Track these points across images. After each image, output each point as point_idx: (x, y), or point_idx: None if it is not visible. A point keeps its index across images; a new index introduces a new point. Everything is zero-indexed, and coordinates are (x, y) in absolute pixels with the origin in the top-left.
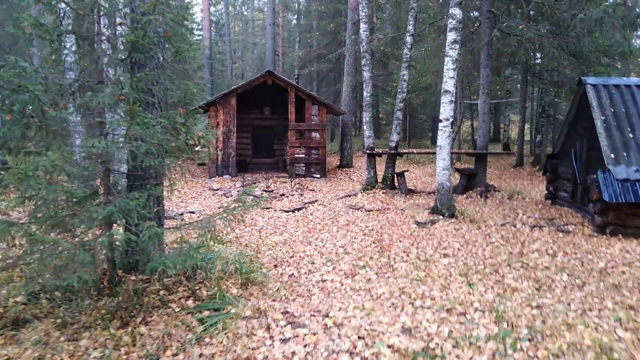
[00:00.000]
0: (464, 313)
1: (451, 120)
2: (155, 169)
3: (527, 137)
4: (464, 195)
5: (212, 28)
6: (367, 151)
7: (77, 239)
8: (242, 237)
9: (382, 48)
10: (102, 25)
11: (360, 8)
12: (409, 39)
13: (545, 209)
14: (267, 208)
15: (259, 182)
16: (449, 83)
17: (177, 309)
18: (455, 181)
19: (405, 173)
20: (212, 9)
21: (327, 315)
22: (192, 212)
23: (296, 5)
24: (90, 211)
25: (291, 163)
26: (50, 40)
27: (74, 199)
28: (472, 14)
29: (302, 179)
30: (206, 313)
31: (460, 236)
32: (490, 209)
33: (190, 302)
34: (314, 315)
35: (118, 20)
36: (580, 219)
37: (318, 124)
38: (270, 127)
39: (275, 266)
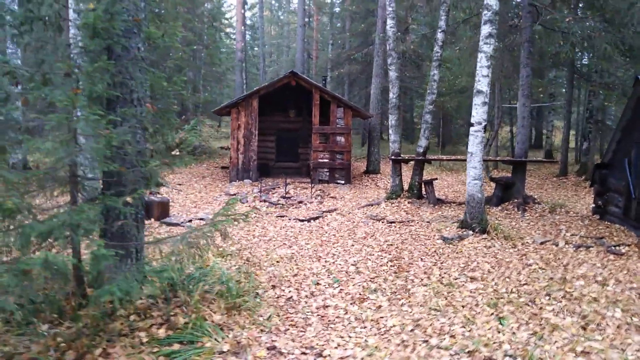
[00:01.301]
0: (490, 358)
1: (484, 124)
2: (133, 174)
3: (572, 144)
4: (499, 207)
5: (247, 32)
6: (392, 157)
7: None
8: (248, 248)
9: (412, 47)
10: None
11: (387, 3)
12: (440, 35)
13: (592, 226)
14: (281, 216)
15: (279, 187)
16: (482, 82)
17: (145, 339)
18: (490, 191)
19: (435, 181)
20: (248, 13)
21: (320, 354)
22: (202, 219)
23: (328, 8)
24: (25, 227)
25: (314, 168)
26: (12, 27)
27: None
28: (511, 12)
29: (326, 185)
30: (176, 346)
31: (492, 255)
32: (529, 224)
33: (162, 331)
34: (305, 354)
35: (90, 4)
36: (634, 239)
37: (343, 127)
38: (295, 130)
39: (274, 287)
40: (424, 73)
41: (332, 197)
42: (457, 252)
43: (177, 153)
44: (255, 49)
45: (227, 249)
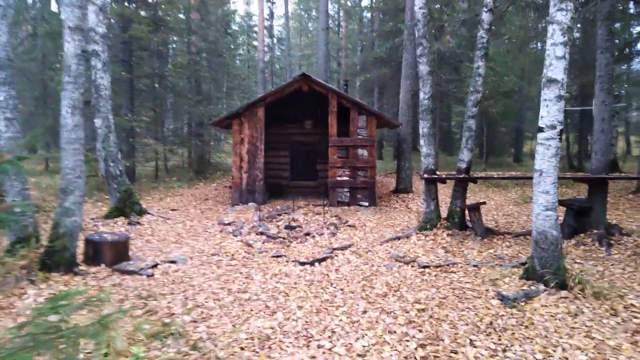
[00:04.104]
0: None
1: (559, 128)
2: None
3: (635, 152)
4: (572, 241)
5: (275, 44)
6: (425, 175)
7: None
8: (210, 317)
9: (448, 39)
10: None
11: None
12: (485, 16)
13: None
14: (278, 256)
15: (287, 212)
16: (556, 67)
17: None
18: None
19: (482, 205)
20: (277, 27)
21: None
22: (173, 262)
23: (357, 14)
24: None
25: (332, 187)
26: None
27: None
28: None
29: (345, 208)
30: None
31: (584, 332)
32: (623, 270)
33: None
34: None
35: None
36: None
37: (366, 138)
38: (312, 144)
39: None
40: (463, 76)
41: (349, 226)
42: (525, 326)
43: None
44: (286, 59)
45: (179, 318)
